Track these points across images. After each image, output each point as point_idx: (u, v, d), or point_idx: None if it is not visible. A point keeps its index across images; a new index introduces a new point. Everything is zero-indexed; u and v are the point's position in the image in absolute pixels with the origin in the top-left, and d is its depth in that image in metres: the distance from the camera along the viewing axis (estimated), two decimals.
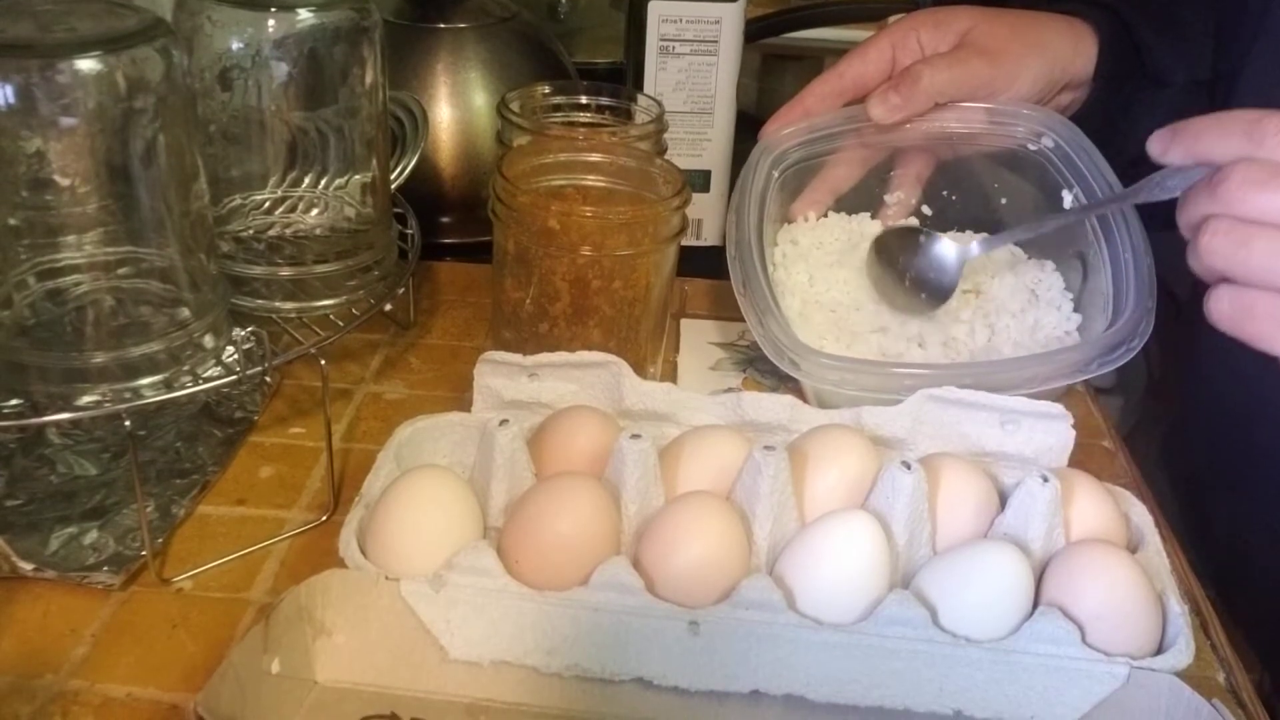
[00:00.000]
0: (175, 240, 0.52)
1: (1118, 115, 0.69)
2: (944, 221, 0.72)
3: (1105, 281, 0.62)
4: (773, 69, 1.24)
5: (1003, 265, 0.69)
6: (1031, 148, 0.68)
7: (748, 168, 0.67)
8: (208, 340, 0.52)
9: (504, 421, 0.48)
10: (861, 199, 0.72)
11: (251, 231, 0.61)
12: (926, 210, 0.72)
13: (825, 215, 0.72)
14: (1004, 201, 0.71)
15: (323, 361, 0.53)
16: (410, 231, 0.66)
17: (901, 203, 0.72)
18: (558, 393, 0.55)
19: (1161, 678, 0.43)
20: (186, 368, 0.51)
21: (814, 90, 0.69)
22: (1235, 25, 0.68)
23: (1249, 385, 0.64)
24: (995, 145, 0.69)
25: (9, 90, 0.45)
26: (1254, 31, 0.66)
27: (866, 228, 0.72)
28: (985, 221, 0.72)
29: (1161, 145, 0.51)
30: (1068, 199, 0.65)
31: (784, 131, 0.68)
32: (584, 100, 0.70)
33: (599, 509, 0.46)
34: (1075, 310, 0.66)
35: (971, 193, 0.72)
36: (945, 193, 0.73)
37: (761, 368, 0.66)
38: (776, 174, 0.68)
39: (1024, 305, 0.66)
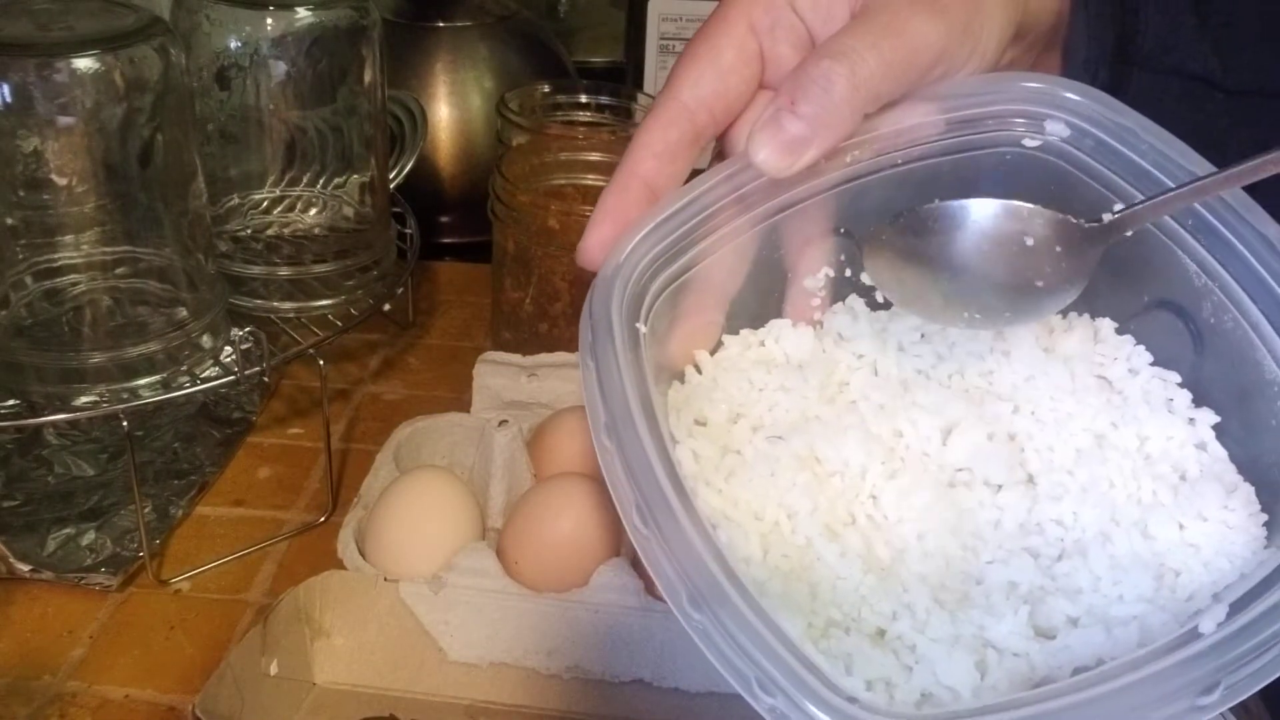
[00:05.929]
0: (173, 240, 0.52)
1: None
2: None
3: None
4: None
5: (1027, 347, 0.37)
6: (1030, 145, 0.37)
7: (585, 345, 0.32)
8: (206, 340, 0.52)
9: (503, 422, 0.48)
10: (763, 299, 0.39)
11: (250, 231, 0.61)
12: (866, 279, 0.38)
13: (720, 346, 0.38)
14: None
15: (321, 362, 0.53)
16: (409, 231, 0.66)
17: (829, 283, 0.40)
18: (557, 393, 0.55)
19: None
20: (184, 368, 0.51)
21: (646, 144, 0.36)
22: None
23: None
24: (967, 155, 0.38)
25: (6, 89, 0.45)
26: None
27: (791, 342, 0.38)
28: None
29: None
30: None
31: (627, 246, 0.34)
32: (584, 99, 0.69)
33: (599, 509, 0.46)
34: (1195, 401, 0.35)
35: None
36: None
37: None
38: (643, 328, 0.33)
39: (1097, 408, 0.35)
